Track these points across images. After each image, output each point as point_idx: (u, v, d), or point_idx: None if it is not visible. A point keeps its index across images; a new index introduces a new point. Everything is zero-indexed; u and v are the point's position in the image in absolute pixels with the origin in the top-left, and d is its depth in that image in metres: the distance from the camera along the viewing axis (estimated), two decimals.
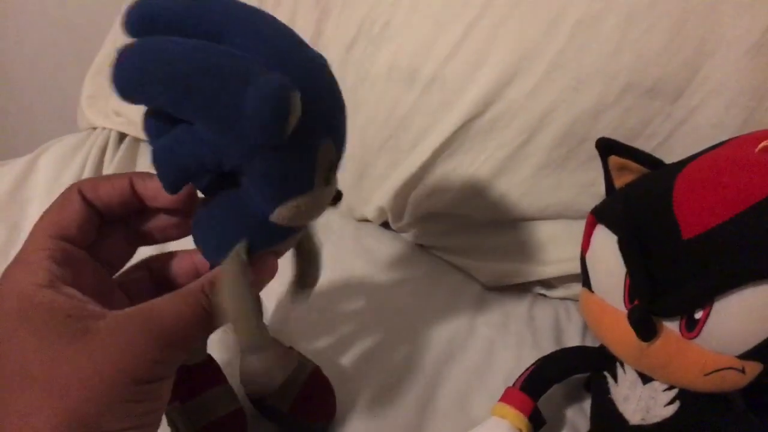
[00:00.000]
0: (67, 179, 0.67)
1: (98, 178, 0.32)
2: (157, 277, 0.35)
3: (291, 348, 0.45)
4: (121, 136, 0.75)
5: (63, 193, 0.31)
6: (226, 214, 0.30)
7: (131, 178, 0.32)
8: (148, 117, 0.29)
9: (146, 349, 0.26)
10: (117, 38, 0.77)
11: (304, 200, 0.29)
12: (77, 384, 0.25)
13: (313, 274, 0.40)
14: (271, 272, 0.32)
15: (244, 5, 0.28)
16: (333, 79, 0.30)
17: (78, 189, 0.31)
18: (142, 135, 0.78)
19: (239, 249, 0.29)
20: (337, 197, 0.33)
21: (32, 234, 0.30)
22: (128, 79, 0.25)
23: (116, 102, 0.76)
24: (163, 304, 0.28)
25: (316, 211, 0.31)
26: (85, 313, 0.26)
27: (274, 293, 0.52)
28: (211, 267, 0.32)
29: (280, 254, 0.33)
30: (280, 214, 0.29)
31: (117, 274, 0.34)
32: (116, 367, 0.26)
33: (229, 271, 0.29)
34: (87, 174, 0.68)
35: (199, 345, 0.38)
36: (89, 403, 0.25)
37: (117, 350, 0.26)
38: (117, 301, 0.32)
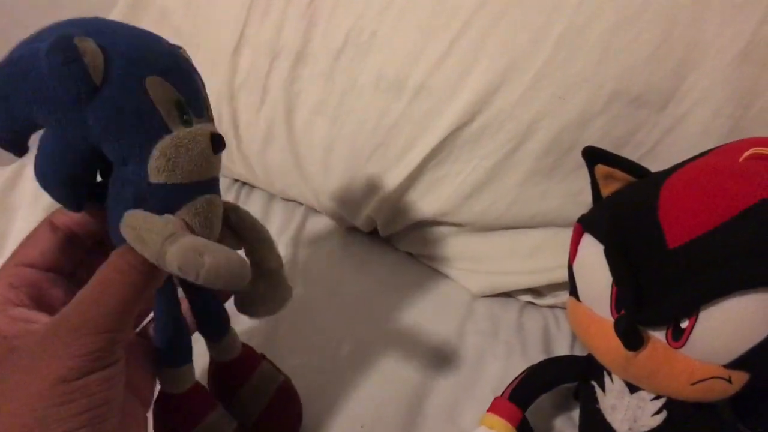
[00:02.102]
0: None
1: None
2: None
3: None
4: None
5: (37, 226, 0.33)
6: (116, 199, 0.30)
7: None
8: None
9: (65, 345, 0.26)
10: None
11: (169, 145, 0.29)
12: (9, 397, 0.26)
13: (266, 255, 0.38)
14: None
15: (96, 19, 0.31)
16: (163, 40, 0.32)
17: (48, 220, 0.33)
18: None
19: (128, 212, 0.29)
20: (218, 142, 0.32)
21: (3, 264, 0.32)
22: None
23: None
24: (75, 297, 0.28)
25: (193, 157, 0.30)
26: (21, 332, 0.27)
27: None
28: None
29: (191, 224, 0.31)
30: (152, 170, 0.29)
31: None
32: (40, 374, 0.26)
33: (125, 225, 0.29)
34: None
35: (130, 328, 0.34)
36: (22, 411, 0.25)
37: (38, 358, 0.26)
38: None
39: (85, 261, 0.34)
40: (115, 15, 0.75)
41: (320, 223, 0.69)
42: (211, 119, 0.34)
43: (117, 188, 0.30)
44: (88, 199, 0.31)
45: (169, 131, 0.29)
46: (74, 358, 0.26)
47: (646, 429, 0.40)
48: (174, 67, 0.31)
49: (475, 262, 0.62)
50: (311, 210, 0.71)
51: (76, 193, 0.30)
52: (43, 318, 0.29)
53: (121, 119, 0.28)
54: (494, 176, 0.56)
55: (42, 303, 0.30)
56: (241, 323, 0.52)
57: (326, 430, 0.46)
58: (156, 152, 0.29)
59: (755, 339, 0.33)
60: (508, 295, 0.62)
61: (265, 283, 0.38)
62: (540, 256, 0.59)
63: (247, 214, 0.37)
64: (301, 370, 0.47)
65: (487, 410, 0.44)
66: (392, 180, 0.60)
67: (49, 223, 0.33)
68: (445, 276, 0.64)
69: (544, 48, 0.51)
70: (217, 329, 0.40)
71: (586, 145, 0.43)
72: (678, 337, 0.35)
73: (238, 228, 0.37)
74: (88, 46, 0.27)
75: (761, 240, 0.33)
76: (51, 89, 0.26)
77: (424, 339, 0.55)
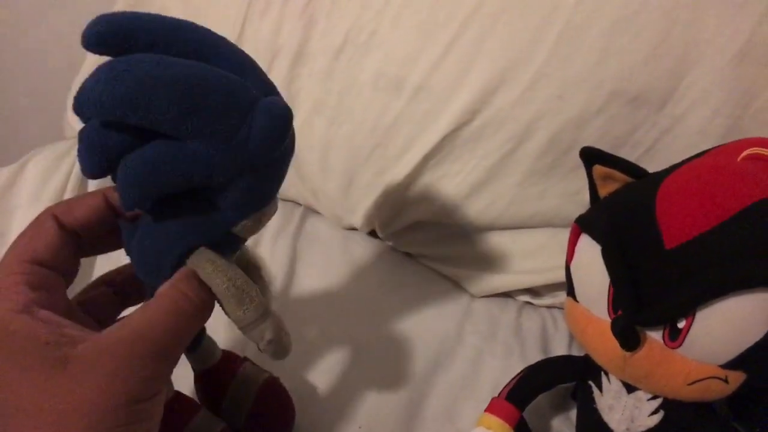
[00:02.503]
0: (53, 187, 0.66)
1: (72, 200, 0.32)
2: (119, 292, 0.35)
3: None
4: None
5: (36, 219, 0.31)
6: (181, 227, 0.29)
7: (104, 193, 0.31)
8: (102, 135, 0.27)
9: (132, 368, 0.26)
10: None
11: (266, 212, 0.30)
12: (66, 414, 0.24)
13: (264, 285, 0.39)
14: None
15: (213, 33, 0.29)
16: None
17: (52, 214, 0.30)
18: None
19: (201, 248, 0.29)
20: None
21: (4, 260, 0.29)
22: (123, 96, 0.24)
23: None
24: (141, 317, 0.27)
25: (267, 222, 0.32)
26: (64, 339, 0.26)
27: None
28: (150, 287, 0.31)
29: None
30: (244, 226, 0.30)
31: (79, 294, 0.34)
32: (104, 392, 0.25)
33: (202, 262, 0.29)
34: (72, 182, 0.67)
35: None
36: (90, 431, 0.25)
37: (102, 375, 0.25)
38: (83, 320, 0.31)
39: (76, 263, 0.32)
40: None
41: (319, 223, 0.69)
42: None
43: (189, 218, 0.29)
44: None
45: (274, 202, 0.31)
46: (146, 380, 0.26)
47: (644, 429, 0.40)
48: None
49: (473, 262, 0.62)
50: (310, 210, 0.71)
51: (150, 200, 0.28)
52: (67, 323, 0.27)
53: (262, 189, 0.29)
54: (493, 176, 0.56)
55: (52, 307, 0.28)
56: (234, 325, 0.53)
57: (324, 430, 0.46)
58: (258, 215, 0.30)
59: (752, 339, 0.33)
60: (506, 295, 0.62)
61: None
62: (538, 256, 0.59)
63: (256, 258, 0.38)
64: (298, 370, 0.47)
65: (485, 410, 0.44)
66: (391, 180, 0.60)
67: (53, 217, 0.30)
68: (444, 276, 0.64)
69: (542, 48, 0.51)
70: (197, 339, 0.39)
71: (585, 145, 0.44)
72: (675, 337, 0.35)
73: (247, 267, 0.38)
74: (292, 129, 0.28)
75: (758, 240, 0.33)
76: (243, 145, 0.26)
77: (422, 339, 0.55)
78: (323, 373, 0.50)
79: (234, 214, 0.29)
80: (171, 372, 0.29)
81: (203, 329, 0.40)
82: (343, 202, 0.65)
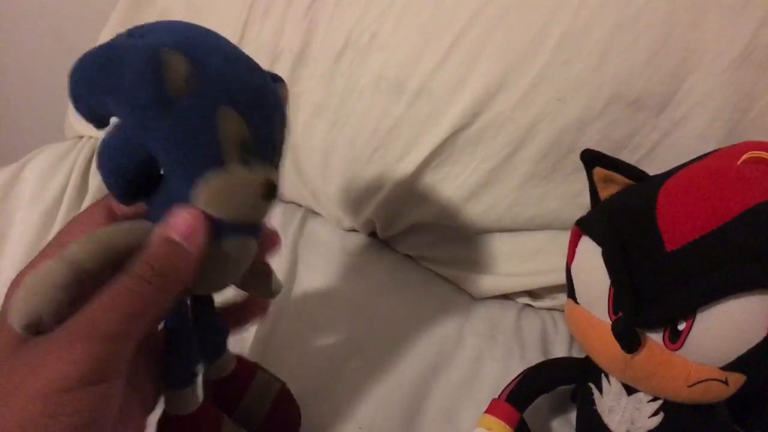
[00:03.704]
0: (53, 188, 0.66)
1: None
2: None
3: None
4: None
5: (89, 210, 0.31)
6: (156, 213, 0.29)
7: None
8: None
9: (76, 349, 0.25)
10: None
11: (219, 180, 0.29)
12: (9, 400, 0.25)
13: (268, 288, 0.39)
14: (188, 221, 0.29)
15: (186, 24, 0.31)
16: (258, 72, 0.32)
17: (107, 206, 0.30)
18: None
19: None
20: (270, 189, 0.31)
21: (50, 244, 0.30)
22: (70, 92, 0.28)
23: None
24: (92, 300, 0.27)
25: (241, 199, 0.30)
26: None
27: None
28: None
29: (231, 264, 0.32)
30: (198, 199, 0.29)
31: None
32: (39, 376, 0.25)
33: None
34: (73, 183, 0.67)
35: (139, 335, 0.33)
36: (15, 417, 0.24)
37: (39, 359, 0.25)
38: None
39: None
40: (116, 15, 0.75)
41: (319, 225, 0.69)
42: (277, 165, 0.34)
43: (161, 199, 0.30)
44: (140, 198, 0.30)
45: (221, 162, 0.29)
46: (78, 363, 0.25)
47: (644, 431, 0.40)
48: (256, 104, 0.31)
49: (473, 265, 0.62)
50: (310, 212, 0.71)
51: (124, 187, 0.29)
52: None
53: (181, 140, 0.28)
54: (493, 179, 0.57)
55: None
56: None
57: (324, 430, 0.46)
58: (205, 183, 0.29)
59: (752, 341, 0.33)
60: (506, 297, 0.62)
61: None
62: (539, 258, 0.59)
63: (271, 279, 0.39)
64: (299, 371, 0.47)
65: (485, 411, 0.44)
66: (392, 182, 0.60)
67: (107, 208, 0.30)
68: (444, 278, 0.64)
69: (543, 51, 0.52)
70: (215, 350, 0.38)
71: (585, 147, 0.44)
72: (675, 339, 0.36)
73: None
74: (177, 61, 0.27)
75: (758, 243, 0.33)
76: (127, 87, 0.26)
77: (422, 341, 0.55)
78: (323, 373, 0.50)
79: (178, 179, 0.29)
80: (113, 360, 0.27)
81: (226, 342, 0.39)
82: (344, 204, 0.65)
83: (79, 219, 0.30)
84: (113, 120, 0.29)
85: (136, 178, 0.29)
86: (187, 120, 0.28)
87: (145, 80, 0.26)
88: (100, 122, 0.30)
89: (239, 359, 0.42)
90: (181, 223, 0.29)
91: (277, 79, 0.34)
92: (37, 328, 0.25)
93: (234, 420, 0.40)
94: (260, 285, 0.39)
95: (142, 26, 0.29)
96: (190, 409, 0.36)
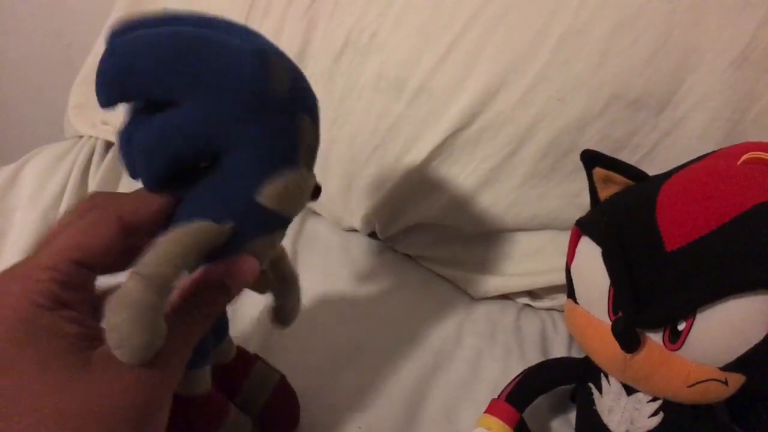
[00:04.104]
0: (53, 188, 0.66)
1: (138, 198, 0.30)
2: None
3: None
4: (107, 145, 0.74)
5: (99, 213, 0.28)
6: (207, 204, 0.29)
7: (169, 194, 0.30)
8: (136, 117, 0.29)
9: (147, 375, 0.25)
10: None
11: (290, 178, 0.30)
12: (90, 417, 0.24)
13: (293, 302, 0.40)
14: (250, 272, 0.30)
15: (217, 17, 0.30)
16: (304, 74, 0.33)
17: (118, 216, 0.28)
18: None
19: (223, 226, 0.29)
20: (317, 191, 0.33)
21: (48, 249, 0.27)
22: (116, 74, 0.26)
23: (103, 111, 0.75)
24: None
25: (302, 198, 0.32)
26: (87, 339, 0.25)
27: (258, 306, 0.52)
28: None
29: (260, 258, 0.31)
30: (267, 193, 0.29)
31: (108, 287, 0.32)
32: (125, 396, 0.25)
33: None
34: (72, 183, 0.67)
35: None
36: None
37: (121, 377, 0.25)
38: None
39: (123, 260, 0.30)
40: (117, 13, 0.75)
41: (319, 225, 0.69)
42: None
43: (212, 193, 0.29)
44: (168, 187, 0.30)
45: (296, 163, 0.30)
46: (154, 387, 0.26)
47: (643, 431, 0.40)
48: (317, 111, 0.33)
49: (473, 265, 0.62)
50: (310, 211, 0.71)
51: (166, 176, 0.29)
52: (92, 322, 0.26)
53: (268, 140, 0.29)
54: (493, 178, 0.57)
55: (84, 304, 0.27)
56: (238, 322, 0.53)
57: (324, 430, 0.46)
58: (281, 179, 0.29)
59: (751, 341, 0.34)
60: (505, 297, 0.62)
61: (293, 297, 0.40)
62: (538, 258, 0.59)
63: (293, 271, 0.40)
64: (298, 370, 0.47)
65: (485, 411, 0.44)
66: (391, 182, 0.60)
67: (119, 217, 0.28)
68: (444, 278, 0.64)
69: (543, 50, 0.52)
70: (220, 333, 0.39)
71: (585, 147, 0.44)
72: (675, 339, 0.36)
73: (280, 275, 0.39)
74: (281, 66, 0.28)
75: (758, 243, 0.33)
76: (230, 84, 0.27)
77: (422, 340, 0.55)
78: (323, 373, 0.50)
79: (251, 175, 0.29)
80: (177, 380, 0.28)
81: (225, 325, 0.40)
82: (344, 204, 0.65)
83: (92, 228, 0.28)
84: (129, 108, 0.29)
85: (184, 167, 0.29)
86: (278, 123, 0.29)
87: (254, 80, 0.27)
88: (111, 106, 0.28)
89: (239, 348, 0.43)
90: (242, 274, 0.30)
91: None
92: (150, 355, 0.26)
93: (234, 406, 0.40)
94: (290, 292, 0.40)
95: (178, 17, 0.29)
96: (203, 391, 0.36)
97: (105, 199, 0.29)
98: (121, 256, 0.28)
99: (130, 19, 0.28)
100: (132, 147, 0.28)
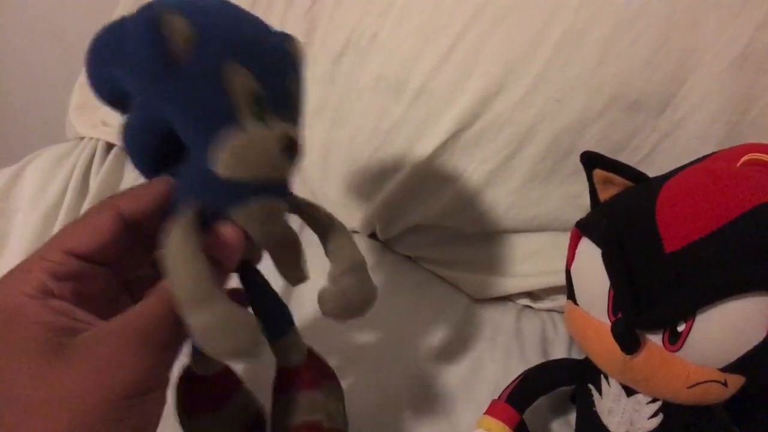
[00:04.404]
0: (54, 189, 0.66)
1: (135, 189, 0.30)
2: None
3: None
4: (109, 146, 0.75)
5: (95, 208, 0.29)
6: (182, 184, 0.30)
7: (171, 183, 0.30)
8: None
9: (127, 357, 0.25)
10: None
11: (235, 140, 0.28)
12: (58, 405, 0.24)
13: (295, 263, 0.39)
14: (228, 242, 0.29)
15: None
16: (262, 26, 0.32)
17: (114, 206, 0.29)
18: None
19: (185, 209, 0.28)
20: (289, 144, 0.30)
21: (47, 242, 0.28)
22: (87, 72, 0.30)
23: (104, 112, 0.76)
24: (137, 308, 0.27)
25: (260, 156, 0.29)
26: (67, 328, 0.25)
27: None
28: None
29: (246, 226, 0.30)
30: (216, 160, 0.28)
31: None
32: (97, 383, 0.24)
33: (170, 229, 0.27)
34: (73, 184, 0.67)
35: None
36: (75, 424, 0.24)
37: (97, 365, 0.24)
38: (122, 304, 0.30)
39: (134, 253, 0.31)
40: (118, 14, 0.75)
41: None
42: (296, 121, 0.33)
43: (184, 171, 0.29)
44: (167, 169, 0.30)
45: (235, 119, 0.28)
46: (139, 373, 0.25)
47: None
48: (263, 57, 0.30)
49: (473, 266, 0.62)
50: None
51: (149, 162, 0.30)
52: (81, 314, 0.27)
53: (192, 101, 0.27)
54: (493, 180, 0.57)
55: (80, 296, 0.27)
56: None
57: None
58: (222, 144, 0.28)
59: (751, 342, 0.33)
60: (505, 298, 0.62)
61: (350, 278, 0.36)
62: (538, 259, 0.59)
63: (327, 216, 0.38)
64: None
65: (485, 412, 0.44)
66: (391, 183, 0.60)
67: (113, 208, 0.29)
68: (443, 279, 0.64)
69: (542, 52, 0.52)
70: (274, 328, 0.37)
71: (584, 149, 0.44)
72: (675, 340, 0.36)
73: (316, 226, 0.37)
74: (176, 22, 0.26)
75: (758, 244, 0.33)
76: (134, 58, 0.27)
77: (422, 342, 0.55)
78: None
79: (195, 145, 0.28)
80: (168, 368, 0.28)
81: (286, 321, 0.38)
82: (343, 205, 0.65)
83: (85, 220, 0.29)
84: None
85: (159, 151, 0.29)
86: (193, 79, 0.27)
87: (145, 43, 0.26)
88: (121, 106, 0.30)
89: (315, 357, 0.40)
90: (224, 246, 0.29)
91: (287, 37, 0.33)
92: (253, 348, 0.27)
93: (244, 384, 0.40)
94: (291, 259, 0.38)
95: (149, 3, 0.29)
96: (216, 370, 0.36)
97: (113, 196, 0.30)
98: (123, 244, 0.29)
99: None
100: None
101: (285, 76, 0.32)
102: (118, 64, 0.28)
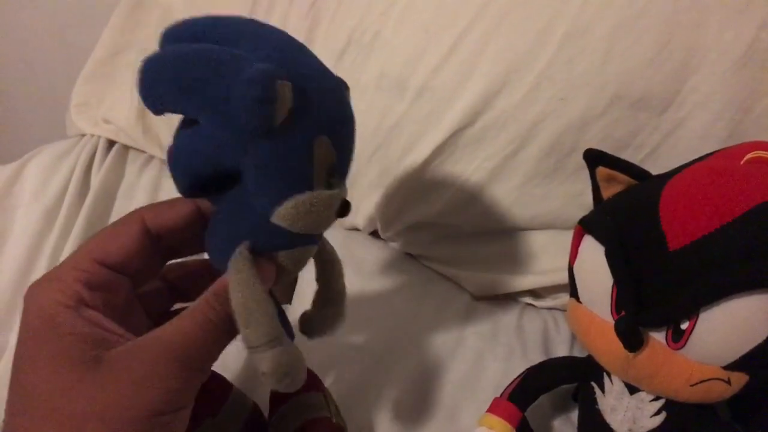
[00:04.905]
0: (55, 187, 0.66)
1: (163, 205, 0.31)
2: (175, 288, 0.35)
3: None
4: (110, 144, 0.75)
5: (123, 219, 0.30)
6: (230, 217, 0.30)
7: (197, 202, 0.31)
8: (179, 129, 0.30)
9: (162, 377, 0.26)
10: (107, 45, 0.77)
11: (302, 200, 0.29)
12: (92, 419, 0.24)
13: (327, 313, 0.40)
14: (268, 278, 0.30)
15: (261, 23, 0.30)
16: (341, 91, 0.32)
17: (141, 217, 0.30)
18: (130, 142, 0.77)
19: (241, 248, 0.29)
20: (345, 208, 0.32)
21: (77, 251, 0.29)
22: (145, 88, 0.27)
23: (106, 110, 0.76)
24: (173, 327, 0.27)
25: (320, 217, 0.30)
26: (101, 340, 0.26)
27: None
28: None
29: (283, 266, 0.32)
30: (279, 214, 0.29)
31: None
32: (131, 400, 0.25)
33: (232, 271, 0.29)
34: (74, 181, 0.67)
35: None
36: None
37: (131, 381, 0.25)
38: (137, 317, 0.31)
39: (152, 265, 0.32)
40: (119, 12, 0.75)
41: None
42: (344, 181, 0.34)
43: (235, 207, 0.30)
44: (205, 195, 0.31)
45: (310, 186, 0.29)
46: (171, 392, 0.26)
47: (646, 430, 0.40)
48: (343, 130, 0.31)
49: (475, 264, 0.62)
50: None
51: (194, 187, 0.30)
52: (111, 325, 0.27)
53: (276, 165, 0.28)
54: (496, 178, 0.57)
55: (108, 306, 0.28)
56: None
57: None
58: (291, 202, 0.29)
59: (755, 341, 0.34)
60: (507, 296, 0.62)
61: (331, 308, 0.40)
62: (540, 257, 0.59)
63: (330, 249, 0.39)
64: None
65: (487, 410, 0.44)
66: (393, 181, 0.60)
67: (141, 221, 0.30)
68: (446, 277, 0.64)
69: (546, 50, 0.52)
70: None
71: (587, 147, 0.44)
72: (678, 338, 0.36)
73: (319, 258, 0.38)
74: (285, 92, 0.26)
75: (762, 242, 0.33)
76: (234, 111, 0.26)
77: (424, 340, 0.55)
78: (323, 372, 0.50)
79: (263, 198, 0.29)
80: (196, 387, 0.28)
81: (289, 330, 0.38)
82: None
83: (113, 230, 0.30)
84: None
85: (210, 181, 0.29)
86: (286, 147, 0.28)
87: (256, 109, 0.26)
88: (159, 112, 0.29)
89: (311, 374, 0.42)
90: (263, 278, 0.29)
91: (346, 87, 0.34)
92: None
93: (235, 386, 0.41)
94: (289, 286, 0.39)
95: (220, 22, 0.29)
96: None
97: (139, 208, 0.31)
98: (146, 255, 0.30)
99: (177, 24, 0.30)
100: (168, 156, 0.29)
101: (352, 142, 0.33)
102: (203, 101, 0.27)
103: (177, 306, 0.36)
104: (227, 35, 0.28)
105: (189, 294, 0.36)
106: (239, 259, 0.29)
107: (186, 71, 0.26)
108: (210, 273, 0.34)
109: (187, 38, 0.28)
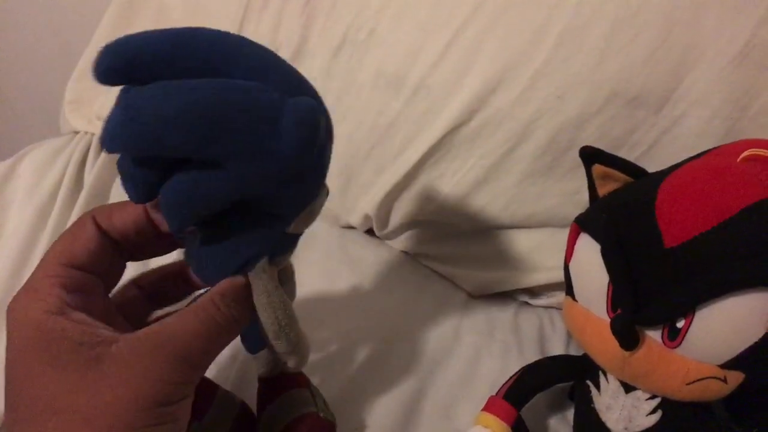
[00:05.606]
0: (48, 183, 0.66)
1: (113, 207, 0.32)
2: (150, 294, 0.35)
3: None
4: None
5: (77, 221, 0.31)
6: (235, 236, 0.30)
7: (146, 208, 0.32)
8: (135, 167, 0.27)
9: (164, 370, 0.27)
10: (101, 42, 0.76)
11: (314, 205, 0.31)
12: (99, 412, 0.25)
13: (291, 291, 0.40)
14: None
15: (227, 34, 0.28)
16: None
17: (92, 217, 0.31)
18: None
19: (263, 264, 0.30)
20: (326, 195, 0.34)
21: (43, 261, 0.29)
22: (138, 136, 0.24)
23: (99, 107, 0.75)
24: (176, 323, 0.28)
25: (316, 215, 0.32)
26: (97, 339, 0.26)
27: None
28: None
29: (287, 266, 0.36)
30: (296, 225, 0.31)
31: (111, 295, 0.33)
32: (136, 392, 0.26)
33: (259, 285, 0.30)
34: (68, 178, 0.67)
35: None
36: (113, 430, 0.25)
37: (134, 375, 0.26)
38: (118, 322, 0.32)
39: (117, 264, 0.33)
40: (113, 9, 0.74)
41: (317, 222, 0.67)
42: None
43: (242, 228, 0.30)
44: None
45: (321, 193, 0.32)
46: (174, 384, 0.27)
47: (641, 429, 0.40)
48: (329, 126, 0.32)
49: (471, 262, 0.62)
50: None
51: (189, 222, 0.29)
52: (99, 324, 0.28)
53: (305, 192, 0.30)
54: (492, 176, 0.56)
55: (88, 309, 0.28)
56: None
57: None
58: (308, 210, 0.31)
59: (751, 339, 0.33)
60: (504, 294, 0.62)
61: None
62: (536, 255, 0.59)
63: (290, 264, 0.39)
64: None
65: (482, 409, 0.44)
66: (389, 179, 0.60)
67: (93, 221, 0.30)
68: (441, 275, 0.64)
69: (543, 47, 0.51)
70: (254, 342, 0.39)
71: (584, 145, 0.43)
72: (674, 336, 0.35)
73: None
74: (322, 125, 0.27)
75: (758, 240, 0.33)
76: (275, 157, 0.25)
77: (419, 338, 0.55)
78: (319, 371, 0.50)
79: (283, 217, 0.30)
80: (197, 380, 0.29)
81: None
82: (341, 201, 0.65)
83: (72, 234, 0.30)
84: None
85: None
86: (314, 175, 0.30)
87: (308, 148, 0.26)
88: (153, 191, 0.28)
89: (298, 374, 0.43)
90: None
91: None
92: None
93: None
94: (287, 284, 0.39)
95: (182, 41, 0.26)
96: None
97: (90, 210, 0.32)
98: (107, 254, 0.31)
99: (124, 51, 0.25)
100: (162, 193, 0.27)
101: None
102: (229, 150, 0.25)
103: (156, 314, 0.37)
104: (201, 56, 0.25)
105: (165, 299, 0.37)
106: (264, 278, 0.30)
107: (219, 115, 0.24)
108: (183, 277, 0.36)
109: (151, 68, 0.25)
